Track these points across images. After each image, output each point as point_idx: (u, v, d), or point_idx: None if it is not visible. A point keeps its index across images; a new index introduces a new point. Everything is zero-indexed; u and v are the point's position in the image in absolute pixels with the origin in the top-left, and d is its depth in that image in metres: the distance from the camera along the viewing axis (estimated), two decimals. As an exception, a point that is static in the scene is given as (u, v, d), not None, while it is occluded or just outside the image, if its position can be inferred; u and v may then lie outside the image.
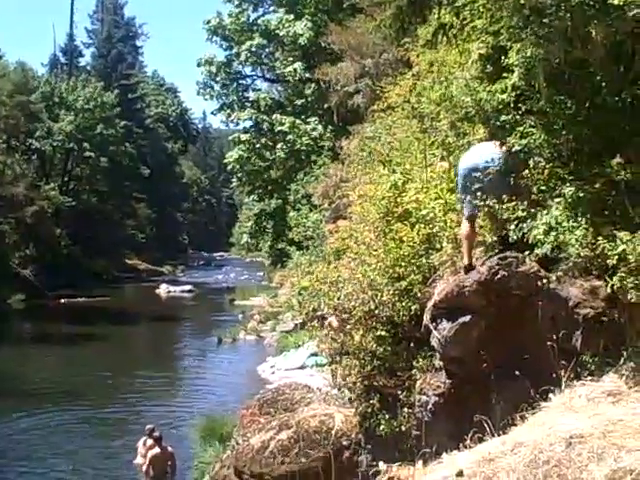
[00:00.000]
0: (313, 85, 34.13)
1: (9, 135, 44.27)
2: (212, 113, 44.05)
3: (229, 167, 42.10)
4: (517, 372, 5.73)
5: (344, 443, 8.23)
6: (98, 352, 23.82)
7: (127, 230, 58.15)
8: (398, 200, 8.08)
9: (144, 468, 12.05)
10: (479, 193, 6.33)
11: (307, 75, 34.79)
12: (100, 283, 43.03)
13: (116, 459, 13.02)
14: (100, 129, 49.24)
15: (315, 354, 15.95)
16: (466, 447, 4.61)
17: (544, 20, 5.72)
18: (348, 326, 7.90)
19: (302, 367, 17.17)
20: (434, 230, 7.54)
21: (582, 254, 5.51)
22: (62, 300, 35.99)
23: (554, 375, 5.22)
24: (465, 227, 6.54)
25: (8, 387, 17.97)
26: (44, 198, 42.98)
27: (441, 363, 6.69)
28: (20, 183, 41.70)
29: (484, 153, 6.51)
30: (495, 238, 6.71)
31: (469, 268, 6.38)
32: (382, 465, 6.87)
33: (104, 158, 50.72)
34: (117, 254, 53.27)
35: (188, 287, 44.79)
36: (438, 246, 7.39)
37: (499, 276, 6.07)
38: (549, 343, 5.57)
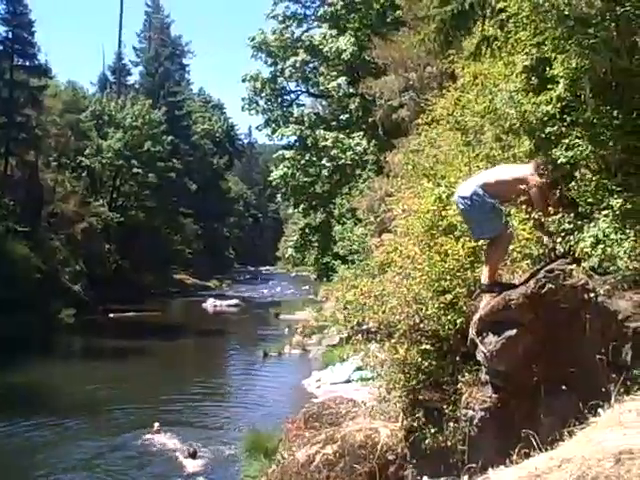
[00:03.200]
0: (357, 99, 34.19)
1: (60, 153, 45.30)
2: (257, 128, 44.23)
3: (274, 183, 42.32)
4: (564, 387, 5.65)
5: (390, 458, 8.17)
6: (146, 366, 24.10)
7: (174, 245, 58.84)
8: (443, 213, 8.05)
9: None
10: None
11: (351, 90, 34.92)
12: (148, 298, 43.55)
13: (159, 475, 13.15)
14: (148, 146, 50.07)
15: (360, 368, 15.90)
16: (513, 462, 4.54)
17: (589, 30, 5.67)
18: (393, 340, 7.89)
19: (347, 381, 17.13)
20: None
21: (631, 267, 5.43)
22: (111, 315, 36.55)
23: (603, 390, 5.13)
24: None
25: (56, 400, 18.34)
26: (93, 214, 43.85)
27: (487, 377, 6.63)
28: (70, 200, 42.69)
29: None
30: (542, 251, 6.65)
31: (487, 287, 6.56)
32: (426, 479, 6.83)
33: (152, 174, 51.46)
34: (165, 269, 53.97)
35: (234, 301, 45.07)
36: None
37: (546, 289, 6.00)
38: (598, 357, 5.48)
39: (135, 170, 49.76)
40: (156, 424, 15.15)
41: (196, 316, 39.91)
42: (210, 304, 43.97)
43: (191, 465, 13.24)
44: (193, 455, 13.50)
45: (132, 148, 48.98)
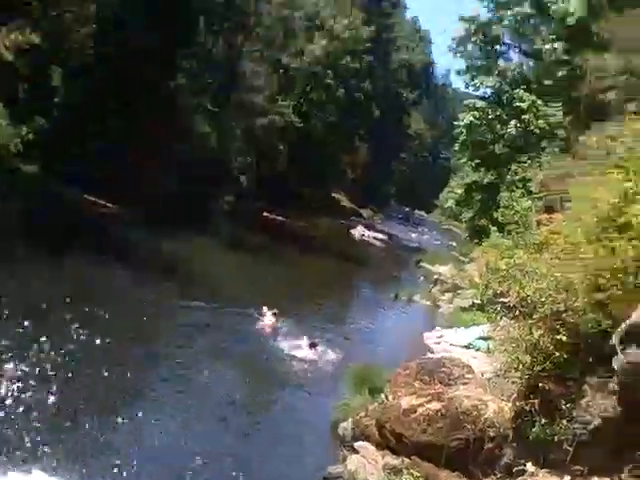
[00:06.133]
0: (567, 69, 32.43)
1: (264, 45, 46.04)
2: (457, 73, 43.06)
3: (456, 130, 41.36)
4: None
5: (490, 434, 8.02)
6: (280, 267, 25.18)
7: (340, 165, 59.17)
8: (623, 209, 7.57)
9: None
10: None
11: (564, 57, 33.11)
12: (303, 208, 44.41)
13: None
14: (346, 60, 50.07)
15: (485, 338, 15.56)
16: (620, 480, 4.32)
17: None
18: (530, 321, 7.62)
19: (467, 347, 16.79)
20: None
21: None
22: (265, 213, 37.67)
23: None
24: None
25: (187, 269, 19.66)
26: (278, 113, 44.54)
27: (617, 388, 6.29)
28: (261, 94, 43.58)
29: None
30: None
31: None
32: (530, 466, 6.65)
33: (342, 90, 51.54)
34: (325, 185, 54.63)
35: (382, 236, 45.26)
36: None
37: None
38: None
39: (328, 81, 49.99)
40: (270, 311, 16.22)
41: (341, 238, 40.46)
42: (358, 231, 44.38)
43: (310, 354, 14.49)
44: (312, 346, 14.73)
45: (332, 59, 49.13)
